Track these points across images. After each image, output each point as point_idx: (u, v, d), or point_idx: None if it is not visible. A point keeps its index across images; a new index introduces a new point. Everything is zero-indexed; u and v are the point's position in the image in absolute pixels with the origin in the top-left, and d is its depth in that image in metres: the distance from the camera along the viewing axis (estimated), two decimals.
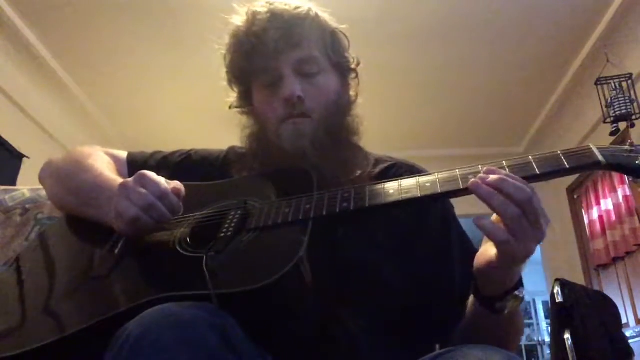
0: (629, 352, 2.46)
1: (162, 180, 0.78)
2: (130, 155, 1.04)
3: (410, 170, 0.95)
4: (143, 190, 0.76)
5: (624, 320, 3.39)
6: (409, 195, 0.71)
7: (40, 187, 1.26)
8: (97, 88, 4.12)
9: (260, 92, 0.94)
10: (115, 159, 1.02)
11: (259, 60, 0.91)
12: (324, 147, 0.88)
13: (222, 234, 0.74)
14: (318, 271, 0.68)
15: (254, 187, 0.88)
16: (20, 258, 0.94)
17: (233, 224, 0.76)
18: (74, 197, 0.92)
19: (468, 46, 3.71)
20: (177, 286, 0.67)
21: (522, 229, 0.63)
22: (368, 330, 0.78)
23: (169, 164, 1.02)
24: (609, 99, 3.31)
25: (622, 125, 3.33)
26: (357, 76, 1.00)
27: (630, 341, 2.65)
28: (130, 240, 0.80)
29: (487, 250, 0.70)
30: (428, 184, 0.71)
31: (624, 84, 3.31)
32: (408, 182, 0.73)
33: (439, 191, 0.70)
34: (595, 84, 3.40)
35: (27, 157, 3.46)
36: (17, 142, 3.45)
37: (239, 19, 0.94)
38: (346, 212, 0.72)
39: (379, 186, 0.75)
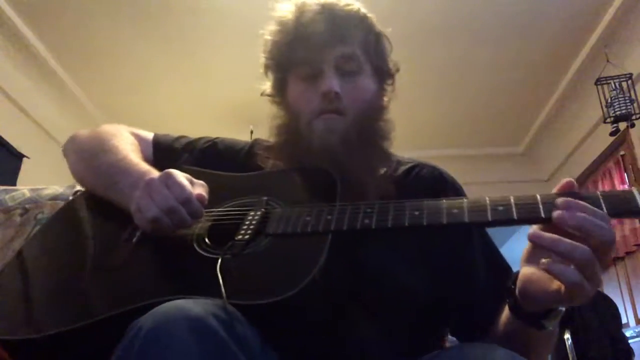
0: (629, 352, 2.47)
1: (187, 183, 0.76)
2: (155, 137, 1.03)
3: (431, 171, 0.94)
4: (167, 192, 0.74)
5: (624, 320, 3.39)
6: (434, 221, 0.69)
7: (40, 187, 1.27)
8: (97, 87, 4.13)
9: (296, 84, 0.93)
10: (140, 139, 1.01)
11: (302, 50, 0.90)
12: (353, 146, 0.86)
13: (240, 236, 0.73)
14: (333, 274, 0.67)
15: (277, 184, 0.86)
16: (31, 241, 0.93)
17: (252, 226, 0.75)
18: (96, 178, 0.91)
19: (468, 46, 3.71)
20: (191, 287, 0.67)
21: (595, 269, 0.57)
22: (380, 335, 0.77)
23: (194, 150, 1.01)
24: (609, 99, 3.31)
25: (622, 125, 3.35)
26: (393, 83, 1.00)
27: (630, 341, 2.65)
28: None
29: (545, 281, 0.62)
30: (455, 211, 0.68)
31: (624, 84, 3.31)
32: (434, 206, 0.70)
33: (466, 221, 0.67)
34: (595, 84, 3.41)
35: (27, 157, 3.46)
36: (17, 142, 3.44)
37: (287, 7, 0.93)
38: (367, 229, 0.71)
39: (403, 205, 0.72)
